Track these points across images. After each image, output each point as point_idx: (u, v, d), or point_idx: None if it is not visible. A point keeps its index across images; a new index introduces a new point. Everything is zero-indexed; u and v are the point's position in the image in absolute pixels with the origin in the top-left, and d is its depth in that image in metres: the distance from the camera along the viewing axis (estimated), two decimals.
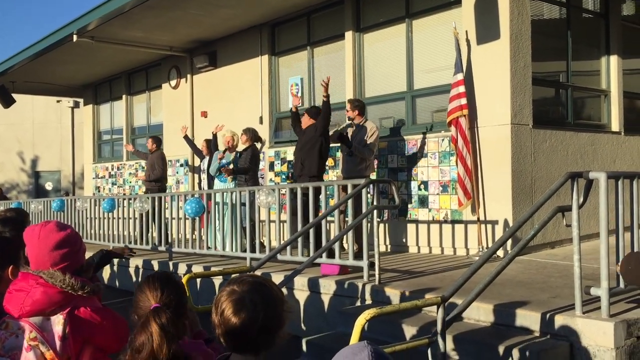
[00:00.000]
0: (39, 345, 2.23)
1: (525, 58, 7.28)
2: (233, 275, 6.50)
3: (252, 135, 8.65)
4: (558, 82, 8.27)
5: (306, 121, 7.61)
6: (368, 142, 7.53)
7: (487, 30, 7.26)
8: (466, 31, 7.47)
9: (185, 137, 10.62)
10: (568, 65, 8.18)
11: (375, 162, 8.28)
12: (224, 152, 8.93)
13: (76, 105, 23.01)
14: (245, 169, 8.45)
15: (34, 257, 2.39)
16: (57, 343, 2.24)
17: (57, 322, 2.27)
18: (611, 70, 8.69)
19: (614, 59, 8.67)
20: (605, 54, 8.71)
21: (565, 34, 8.18)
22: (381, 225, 8.10)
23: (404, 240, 8.20)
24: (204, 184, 9.84)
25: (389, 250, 8.29)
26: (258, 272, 6.08)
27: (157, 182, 10.61)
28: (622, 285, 4.36)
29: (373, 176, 8.05)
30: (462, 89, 7.18)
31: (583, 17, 8.72)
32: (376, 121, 8.76)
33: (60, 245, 2.38)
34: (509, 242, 6.39)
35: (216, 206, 8.14)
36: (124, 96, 14.47)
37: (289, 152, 9.90)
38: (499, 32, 7.14)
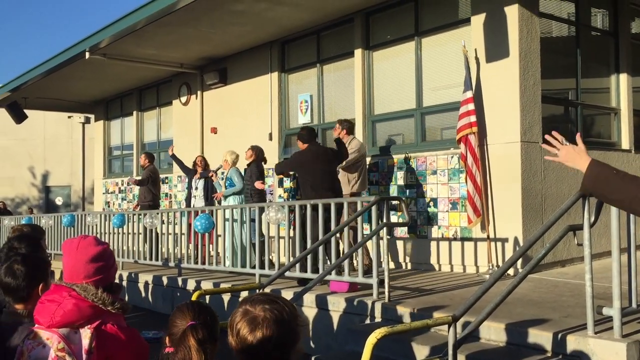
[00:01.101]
0: (66, 356, 2.25)
1: (534, 76, 7.29)
2: (244, 295, 6.51)
3: (258, 152, 8.83)
4: (567, 99, 8.28)
5: (300, 146, 7.58)
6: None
7: (496, 48, 7.29)
8: (475, 49, 7.50)
9: (173, 155, 10.94)
10: (578, 83, 8.19)
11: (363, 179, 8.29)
12: (216, 170, 9.40)
13: (87, 121, 23.22)
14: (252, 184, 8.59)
15: (69, 268, 2.45)
16: (84, 356, 2.27)
17: (85, 336, 2.30)
18: (621, 88, 8.68)
19: (623, 77, 8.67)
20: (615, 72, 8.71)
21: (574, 52, 8.20)
22: (390, 242, 8.09)
23: (413, 257, 8.18)
24: (197, 201, 9.99)
25: (396, 267, 8.27)
26: (268, 289, 6.08)
27: (147, 193, 11.00)
28: (634, 305, 4.32)
29: (365, 193, 8.10)
30: (471, 106, 7.19)
31: (592, 35, 8.74)
32: (385, 138, 8.80)
33: (96, 259, 2.46)
34: (519, 260, 6.36)
35: (226, 222, 8.17)
36: (134, 112, 14.59)
37: None
38: (508, 50, 7.17)
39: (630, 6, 8.82)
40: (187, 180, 10.84)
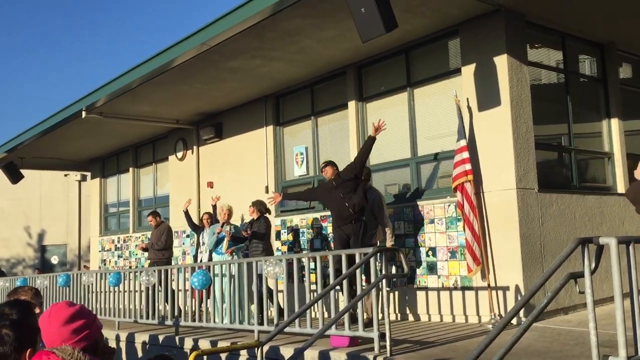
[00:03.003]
0: None
1: (527, 123, 7.37)
2: (242, 354, 6.34)
3: (261, 207, 8.93)
4: (561, 145, 8.34)
5: (330, 171, 7.74)
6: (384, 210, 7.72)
7: (487, 97, 7.38)
8: (467, 98, 7.60)
9: (186, 212, 10.91)
10: (570, 129, 8.27)
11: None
12: (222, 225, 9.29)
13: (83, 178, 23.26)
14: (262, 234, 8.75)
15: (47, 336, 2.49)
16: None
17: None
18: (613, 132, 8.77)
19: (614, 122, 8.76)
20: (606, 117, 8.81)
21: (564, 98, 8.31)
22: (390, 293, 7.99)
23: (414, 308, 8.06)
24: (204, 256, 9.87)
25: (398, 319, 8.14)
26: (267, 346, 5.95)
27: (164, 251, 10.90)
28: None
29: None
30: (466, 154, 7.23)
31: (581, 82, 8.88)
32: (381, 188, 8.81)
33: (70, 320, 2.47)
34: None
35: (223, 278, 8.06)
36: (130, 169, 14.63)
37: (295, 221, 9.90)
38: (499, 99, 7.26)
39: (617, 53, 9.00)
40: (195, 236, 10.80)
